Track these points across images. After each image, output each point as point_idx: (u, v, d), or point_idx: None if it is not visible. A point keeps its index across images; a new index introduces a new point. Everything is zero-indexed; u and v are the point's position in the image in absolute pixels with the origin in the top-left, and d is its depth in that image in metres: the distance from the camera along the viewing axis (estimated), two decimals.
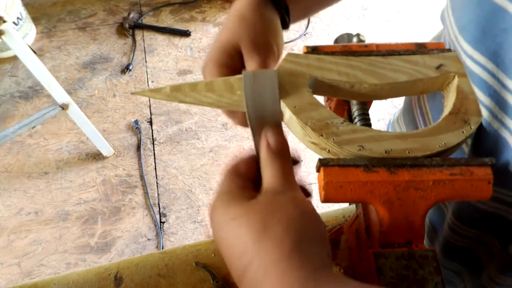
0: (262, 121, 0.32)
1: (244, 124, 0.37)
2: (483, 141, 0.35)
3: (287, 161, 0.30)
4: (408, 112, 0.53)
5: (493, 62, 0.32)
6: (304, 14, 0.46)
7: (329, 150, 0.32)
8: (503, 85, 0.32)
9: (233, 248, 0.27)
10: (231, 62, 0.37)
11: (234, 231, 0.27)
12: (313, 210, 0.28)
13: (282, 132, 0.31)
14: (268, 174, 0.29)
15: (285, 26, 0.41)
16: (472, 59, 0.34)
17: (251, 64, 0.36)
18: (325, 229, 0.28)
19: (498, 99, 0.32)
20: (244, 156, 0.32)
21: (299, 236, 0.26)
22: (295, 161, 0.34)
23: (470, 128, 0.33)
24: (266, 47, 0.37)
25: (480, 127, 0.34)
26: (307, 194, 0.34)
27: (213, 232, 0.29)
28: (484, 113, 0.34)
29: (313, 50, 0.39)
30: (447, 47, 0.40)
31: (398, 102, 1.76)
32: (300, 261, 0.24)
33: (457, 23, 0.37)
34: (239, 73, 0.36)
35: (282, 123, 0.34)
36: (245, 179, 0.31)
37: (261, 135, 0.31)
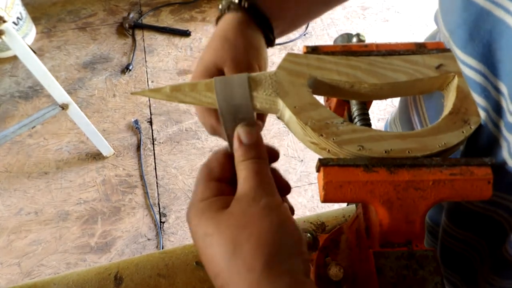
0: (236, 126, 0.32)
1: (213, 132, 0.38)
2: (478, 142, 0.35)
3: (261, 160, 0.29)
4: (404, 112, 0.53)
5: (483, 64, 0.32)
6: (291, 27, 0.46)
7: (329, 150, 0.32)
8: (495, 87, 0.32)
9: (208, 266, 0.27)
10: None
11: (208, 250, 0.27)
12: (287, 217, 0.27)
13: (255, 129, 0.31)
14: (242, 176, 0.29)
15: (270, 43, 0.42)
16: (463, 63, 0.35)
17: None
18: (301, 236, 0.28)
19: (492, 100, 0.33)
20: (217, 154, 0.31)
21: (270, 252, 0.25)
22: (273, 155, 0.33)
23: (470, 128, 0.33)
24: (248, 67, 0.37)
25: (478, 127, 0.34)
26: (287, 188, 0.33)
27: (192, 239, 0.29)
28: (481, 113, 0.34)
29: (313, 50, 0.39)
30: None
31: (398, 102, 1.76)
32: (271, 283, 0.24)
33: (447, 27, 0.37)
34: None
35: (282, 123, 0.34)
36: (220, 182, 0.30)
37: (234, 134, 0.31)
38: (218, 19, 0.42)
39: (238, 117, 0.32)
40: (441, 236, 0.45)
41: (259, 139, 0.30)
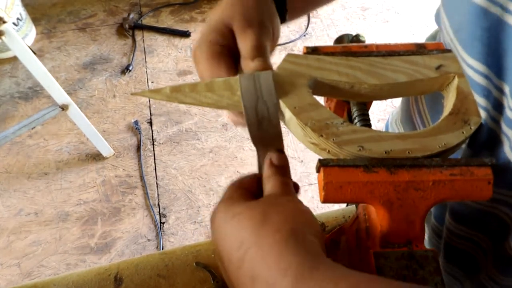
0: (260, 123, 0.32)
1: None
2: (479, 140, 0.35)
3: (287, 177, 0.32)
4: (405, 112, 0.53)
5: (487, 66, 0.32)
6: (303, 9, 0.45)
7: (329, 151, 0.32)
8: (497, 87, 0.32)
9: (232, 241, 0.28)
10: (223, 41, 0.35)
11: (234, 226, 0.28)
12: (309, 211, 0.30)
13: (285, 156, 0.34)
14: (269, 185, 0.32)
15: (282, 17, 0.39)
16: (465, 63, 0.35)
17: (243, 41, 0.34)
18: (320, 229, 0.31)
19: (492, 99, 0.33)
20: (249, 175, 0.34)
21: (296, 226, 0.27)
22: (295, 187, 0.35)
23: (470, 128, 0.33)
24: (260, 24, 0.35)
25: (478, 126, 0.34)
26: None
27: (213, 234, 0.30)
28: (481, 113, 0.34)
29: (313, 50, 0.39)
30: (445, 47, 0.40)
31: (398, 103, 1.76)
32: (297, 245, 0.25)
33: (451, 27, 0.37)
34: (233, 52, 0.35)
35: (282, 124, 0.34)
36: (247, 191, 0.32)
37: (265, 156, 0.33)
38: None
39: (263, 116, 0.32)
40: (445, 235, 0.45)
41: (287, 163, 0.33)
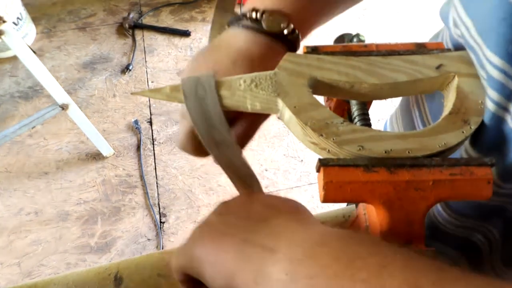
0: (210, 127, 0.33)
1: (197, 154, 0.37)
2: (487, 134, 0.34)
3: None
4: (405, 112, 0.53)
5: (497, 56, 0.31)
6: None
7: (329, 150, 0.32)
8: (509, 76, 0.31)
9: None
10: None
11: (245, 208, 0.30)
12: None
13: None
14: None
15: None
16: (484, 56, 0.33)
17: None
18: None
19: (507, 93, 0.32)
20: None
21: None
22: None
23: (470, 128, 0.33)
24: None
25: (483, 121, 0.33)
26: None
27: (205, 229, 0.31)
28: (492, 106, 0.33)
29: (313, 50, 0.39)
30: (450, 45, 0.40)
31: (398, 102, 1.75)
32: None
33: (470, 16, 0.34)
34: None
35: (282, 123, 0.34)
36: None
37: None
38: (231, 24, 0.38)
39: (210, 120, 0.33)
40: (435, 220, 0.44)
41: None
